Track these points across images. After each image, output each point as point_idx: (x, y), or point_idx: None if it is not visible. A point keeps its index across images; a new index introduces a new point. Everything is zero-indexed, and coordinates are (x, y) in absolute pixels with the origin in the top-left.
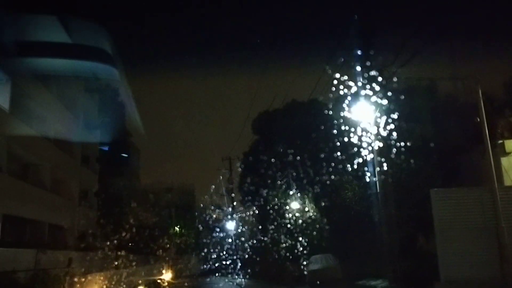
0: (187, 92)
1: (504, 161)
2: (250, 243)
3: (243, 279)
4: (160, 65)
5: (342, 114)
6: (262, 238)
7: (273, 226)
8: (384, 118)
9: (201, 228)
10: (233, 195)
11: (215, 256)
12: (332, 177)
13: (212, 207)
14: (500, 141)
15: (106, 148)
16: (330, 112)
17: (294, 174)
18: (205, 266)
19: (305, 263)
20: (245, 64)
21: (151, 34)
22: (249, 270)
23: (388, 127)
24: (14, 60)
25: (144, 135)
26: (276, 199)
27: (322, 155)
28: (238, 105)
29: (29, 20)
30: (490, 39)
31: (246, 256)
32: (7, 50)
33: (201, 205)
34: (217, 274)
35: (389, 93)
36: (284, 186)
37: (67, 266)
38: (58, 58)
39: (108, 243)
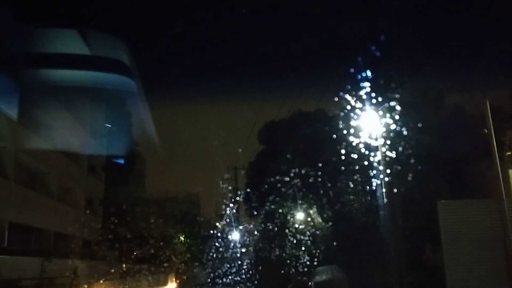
0: (195, 101)
1: None
2: (255, 253)
3: None
4: (170, 76)
5: (349, 125)
6: (268, 248)
7: (278, 236)
8: (391, 129)
9: (206, 237)
10: (238, 204)
11: (220, 265)
12: (339, 187)
13: (217, 216)
14: (508, 153)
15: (112, 157)
16: (337, 123)
17: (300, 184)
18: (210, 275)
19: (311, 274)
20: (252, 75)
21: (165, 47)
22: (254, 280)
23: (396, 138)
24: (24, 71)
25: (158, 145)
26: (282, 209)
27: (328, 166)
28: (244, 115)
29: (49, 33)
30: (497, 51)
31: (251, 266)
32: (18, 61)
33: (207, 214)
34: (221, 284)
35: (397, 104)
36: (290, 196)
37: (73, 275)
38: (75, 69)
39: (113, 251)
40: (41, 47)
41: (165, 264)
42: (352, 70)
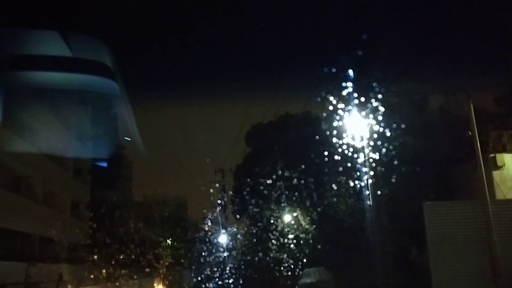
0: (181, 104)
1: (496, 174)
2: (242, 256)
3: None
4: (155, 78)
5: (335, 127)
6: (255, 250)
7: (265, 239)
8: (376, 131)
9: (193, 241)
10: (226, 207)
11: (207, 268)
12: (325, 189)
13: (205, 220)
14: (492, 155)
15: (98, 161)
16: (323, 125)
17: (287, 186)
18: (197, 279)
19: (297, 277)
20: (238, 77)
21: (149, 49)
22: (240, 284)
23: (381, 140)
24: (8, 73)
25: (142, 148)
26: (269, 211)
27: (315, 167)
28: (231, 118)
29: (30, 35)
30: (481, 53)
31: (238, 269)
32: (2, 64)
33: (194, 217)
34: (209, 287)
35: (382, 107)
36: (277, 199)
37: (58, 280)
38: (57, 71)
39: (100, 256)
40: (24, 50)
41: (152, 268)
42: (338, 72)
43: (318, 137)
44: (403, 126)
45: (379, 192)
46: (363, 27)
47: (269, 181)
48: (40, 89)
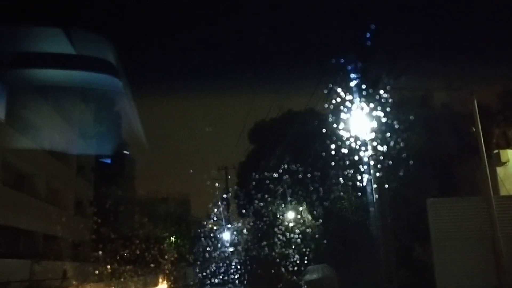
0: (185, 102)
1: (500, 171)
2: (245, 252)
3: None
4: (160, 75)
5: (338, 124)
6: (258, 247)
7: (268, 235)
8: (380, 128)
9: (198, 236)
10: (229, 203)
11: (210, 266)
12: (329, 185)
13: (209, 216)
14: (496, 151)
15: (101, 158)
16: (325, 122)
17: (291, 182)
18: (200, 276)
19: (301, 273)
20: (242, 75)
21: (152, 45)
22: (244, 280)
23: (384, 137)
24: (11, 71)
25: (147, 146)
26: (272, 208)
27: (318, 165)
28: (235, 115)
29: (32, 32)
30: (485, 50)
31: (241, 265)
32: (4, 61)
33: (198, 214)
34: (211, 284)
35: (385, 103)
36: (280, 195)
37: (62, 277)
38: (60, 69)
39: (103, 253)
40: (27, 47)
41: (155, 265)
42: (340, 67)
43: (320, 133)
44: (406, 122)
45: (383, 189)
46: (365, 23)
47: (272, 178)
48: (43, 87)
